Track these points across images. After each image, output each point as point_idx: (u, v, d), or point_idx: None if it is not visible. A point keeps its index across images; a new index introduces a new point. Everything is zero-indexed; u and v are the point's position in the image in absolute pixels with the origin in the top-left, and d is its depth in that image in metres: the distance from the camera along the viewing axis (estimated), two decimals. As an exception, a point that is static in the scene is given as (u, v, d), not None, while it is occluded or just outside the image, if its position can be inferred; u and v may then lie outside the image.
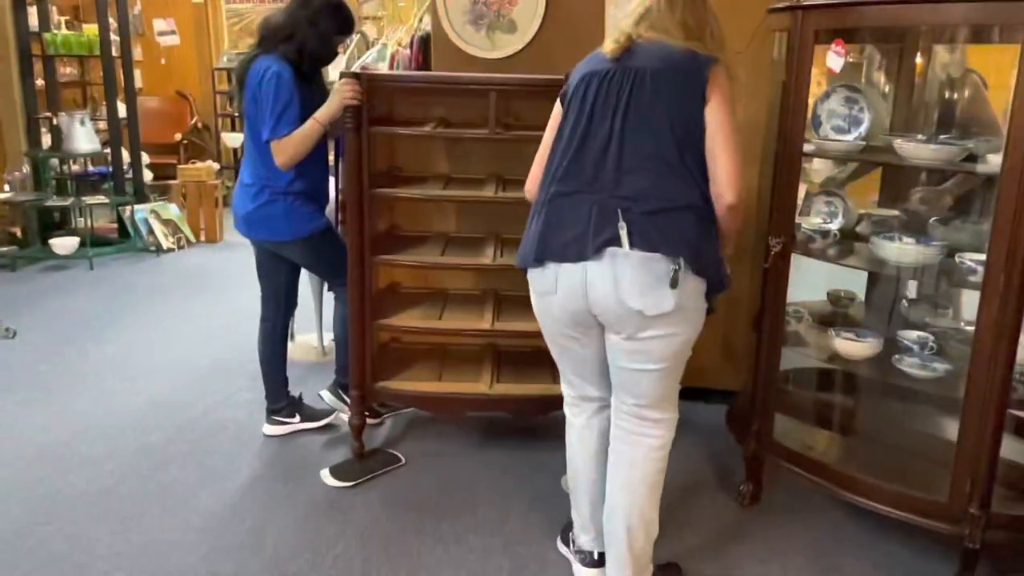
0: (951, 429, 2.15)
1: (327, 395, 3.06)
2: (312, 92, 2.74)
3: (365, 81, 2.54)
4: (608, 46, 1.91)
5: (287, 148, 2.64)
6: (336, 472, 2.76)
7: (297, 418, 3.07)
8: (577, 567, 2.23)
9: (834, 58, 2.25)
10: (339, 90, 2.55)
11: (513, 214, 2.98)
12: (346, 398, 2.96)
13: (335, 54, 2.87)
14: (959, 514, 2.09)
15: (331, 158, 3.03)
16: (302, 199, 2.78)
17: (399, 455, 2.88)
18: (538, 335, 2.73)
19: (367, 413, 2.84)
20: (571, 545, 2.28)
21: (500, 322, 2.80)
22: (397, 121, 2.82)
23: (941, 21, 2.19)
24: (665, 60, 1.84)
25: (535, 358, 3.02)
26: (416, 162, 2.99)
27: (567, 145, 1.91)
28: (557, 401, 2.74)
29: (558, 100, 2.03)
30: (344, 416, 2.99)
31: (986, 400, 2.02)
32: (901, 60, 2.69)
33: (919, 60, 2.67)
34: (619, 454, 2.03)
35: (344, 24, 2.76)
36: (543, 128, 2.62)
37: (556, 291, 1.92)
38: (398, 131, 2.77)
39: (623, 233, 1.79)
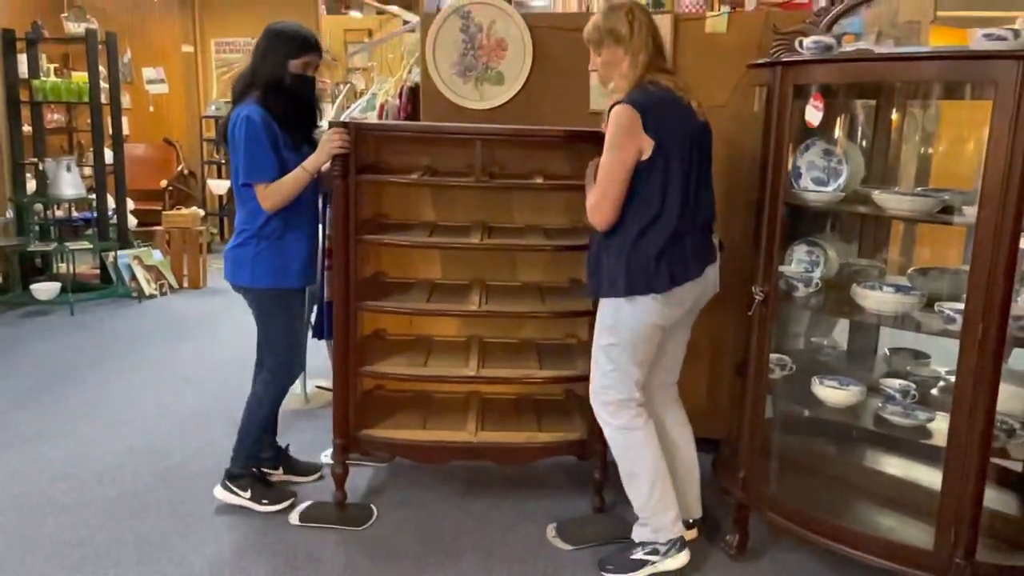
0: (935, 478, 2.16)
1: (219, 492, 2.86)
2: (296, 139, 2.69)
3: (353, 130, 2.58)
4: (690, 99, 2.28)
5: (272, 194, 2.61)
6: (305, 515, 2.77)
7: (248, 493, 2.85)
8: (680, 557, 2.40)
9: (812, 112, 2.31)
10: (328, 139, 2.56)
11: (498, 260, 3.02)
12: (236, 489, 2.83)
13: (306, 80, 2.69)
14: (944, 564, 2.08)
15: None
16: (275, 249, 2.69)
17: (372, 508, 2.83)
18: (523, 381, 2.76)
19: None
20: (657, 554, 2.41)
21: (485, 369, 2.79)
22: (385, 169, 2.85)
23: (914, 77, 2.27)
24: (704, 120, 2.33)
25: (520, 405, 3.02)
26: (403, 209, 3.02)
27: (683, 193, 2.25)
28: (542, 450, 2.76)
29: (632, 126, 2.18)
30: (259, 508, 2.80)
31: (968, 449, 2.03)
32: (878, 114, 2.77)
33: (895, 114, 2.75)
34: (680, 424, 2.58)
35: (294, 43, 2.64)
36: (527, 176, 2.70)
37: (682, 304, 2.34)
38: (385, 179, 2.80)
39: (716, 240, 2.42)
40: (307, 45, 2.67)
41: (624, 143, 2.20)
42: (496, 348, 2.98)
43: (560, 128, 2.74)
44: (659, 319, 2.32)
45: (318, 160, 2.61)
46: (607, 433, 2.43)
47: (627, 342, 2.32)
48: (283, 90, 2.63)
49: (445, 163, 2.83)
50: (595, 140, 2.45)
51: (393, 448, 2.83)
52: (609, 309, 2.35)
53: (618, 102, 2.22)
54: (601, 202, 2.25)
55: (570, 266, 2.93)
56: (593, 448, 2.72)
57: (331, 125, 2.61)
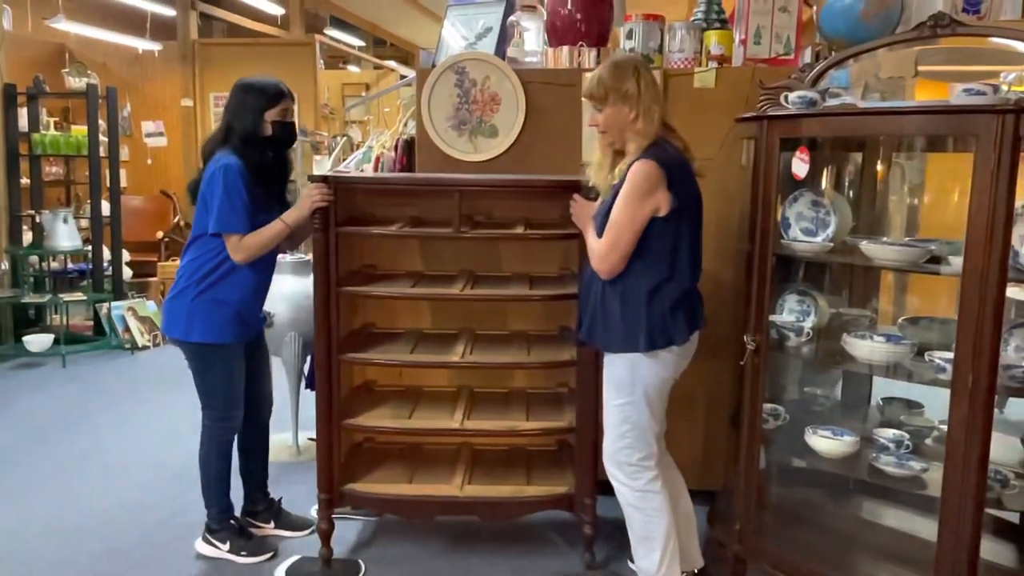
0: (931, 528, 2.14)
1: (199, 544, 2.86)
2: (270, 195, 2.70)
3: (332, 183, 2.60)
4: (694, 164, 2.33)
5: (248, 247, 2.60)
6: (292, 570, 2.73)
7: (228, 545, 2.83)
8: None
9: (799, 165, 2.36)
10: (308, 193, 2.57)
11: (487, 309, 3.03)
12: (215, 542, 2.82)
13: (285, 128, 2.71)
14: (944, 617, 2.05)
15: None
16: (211, 303, 2.64)
17: (360, 564, 2.78)
18: (510, 434, 2.75)
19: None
20: None
21: (471, 420, 2.76)
22: (373, 221, 2.86)
23: (898, 131, 2.32)
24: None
25: (512, 457, 2.99)
26: (390, 260, 3.03)
27: (692, 253, 2.30)
28: (528, 504, 2.73)
29: (656, 183, 2.20)
30: (238, 560, 2.79)
31: (962, 500, 2.02)
32: (864, 166, 2.82)
33: (880, 166, 2.80)
34: (673, 474, 2.54)
35: (266, 94, 2.66)
36: (511, 225, 2.73)
37: (690, 353, 2.39)
38: (365, 231, 2.79)
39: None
40: (280, 94, 2.69)
41: (645, 199, 2.20)
42: (485, 398, 2.96)
43: (540, 178, 2.80)
44: (675, 371, 2.35)
45: (299, 214, 2.62)
46: (622, 494, 2.39)
47: (643, 398, 2.31)
48: (260, 143, 2.65)
49: (433, 213, 2.82)
50: (574, 190, 2.50)
51: (378, 503, 2.80)
52: (623, 366, 2.32)
53: (638, 158, 2.22)
54: (611, 254, 2.25)
55: (560, 314, 2.92)
56: (582, 502, 2.69)
57: (311, 179, 2.63)
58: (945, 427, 2.11)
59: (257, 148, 2.65)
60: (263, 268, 2.77)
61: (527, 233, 2.73)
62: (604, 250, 2.26)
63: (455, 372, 3.09)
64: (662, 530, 2.34)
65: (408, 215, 2.87)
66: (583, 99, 2.40)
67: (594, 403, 2.58)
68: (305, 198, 2.59)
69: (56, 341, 5.59)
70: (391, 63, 9.58)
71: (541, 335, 2.97)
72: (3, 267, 5.79)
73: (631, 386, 2.31)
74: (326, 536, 2.72)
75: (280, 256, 3.08)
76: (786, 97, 2.37)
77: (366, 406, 2.88)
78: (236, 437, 2.87)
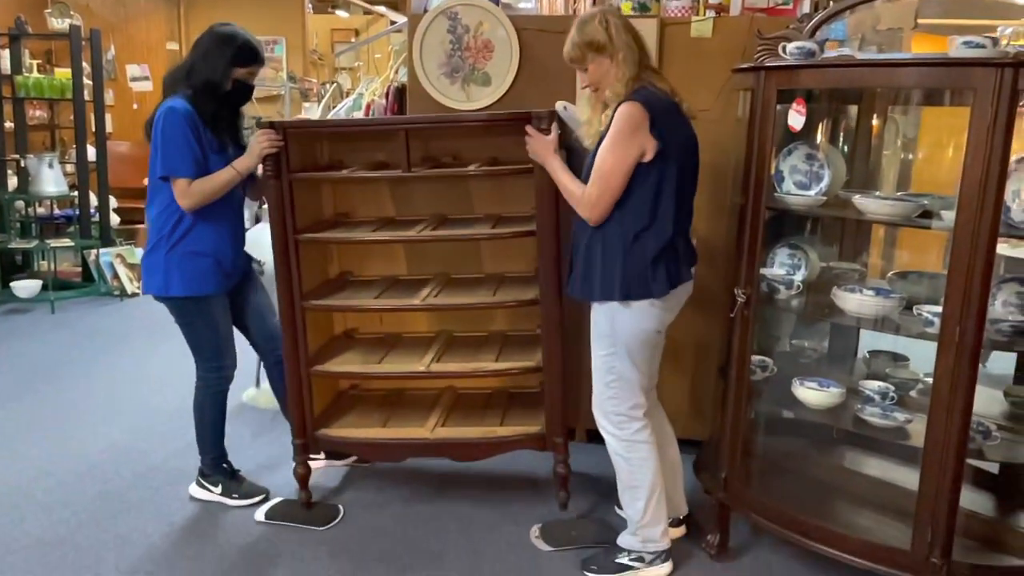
0: (913, 479, 2.19)
1: (193, 488, 2.91)
2: (221, 140, 2.63)
3: (280, 129, 2.57)
4: (681, 101, 2.30)
5: (194, 192, 2.54)
6: (270, 513, 2.79)
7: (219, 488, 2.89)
8: (664, 567, 2.44)
9: (795, 117, 2.34)
10: (257, 140, 2.53)
11: (462, 253, 3.01)
12: (208, 485, 2.88)
13: (245, 88, 2.66)
14: (921, 563, 2.11)
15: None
16: (188, 254, 2.61)
17: (339, 507, 2.83)
18: (475, 375, 2.84)
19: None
20: (641, 561, 2.44)
21: (438, 363, 2.76)
22: (342, 167, 2.84)
23: (895, 84, 2.30)
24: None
25: (492, 400, 3.01)
26: (362, 208, 3.02)
27: (678, 202, 2.26)
28: (498, 444, 2.74)
29: (641, 124, 2.17)
30: (230, 503, 2.84)
31: (944, 450, 2.06)
32: (859, 119, 2.81)
33: (876, 120, 2.78)
34: (662, 424, 2.56)
35: (243, 53, 2.60)
36: (465, 164, 2.73)
37: (676, 307, 2.37)
38: (315, 176, 2.78)
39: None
40: (255, 56, 2.63)
41: (630, 141, 2.17)
42: (462, 342, 2.96)
43: (481, 112, 2.87)
44: (657, 324, 2.31)
45: (249, 161, 2.58)
46: (609, 443, 2.41)
47: (625, 349, 2.31)
48: (219, 94, 2.59)
49: (400, 157, 2.69)
50: (524, 122, 2.42)
51: (349, 447, 2.84)
52: (603, 316, 2.32)
53: (622, 102, 2.20)
54: (601, 199, 2.22)
55: (536, 254, 2.84)
56: (553, 440, 2.68)
57: (259, 126, 2.59)
58: (930, 380, 2.14)
59: (214, 99, 2.58)
60: (230, 214, 2.72)
61: (481, 169, 2.65)
62: (593, 197, 2.23)
63: (434, 318, 3.10)
64: (648, 480, 2.37)
65: (376, 160, 2.84)
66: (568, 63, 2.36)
67: (559, 342, 2.59)
68: (255, 145, 2.54)
69: (44, 287, 5.56)
70: (381, 8, 9.39)
71: (518, 276, 2.92)
72: (-12, 212, 5.73)
73: (611, 337, 2.31)
74: (304, 480, 2.77)
75: (265, 207, 3.05)
76: (784, 48, 2.34)
77: (341, 353, 2.89)
78: (267, 384, 2.90)
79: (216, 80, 2.57)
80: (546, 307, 2.60)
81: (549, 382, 2.67)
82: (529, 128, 2.40)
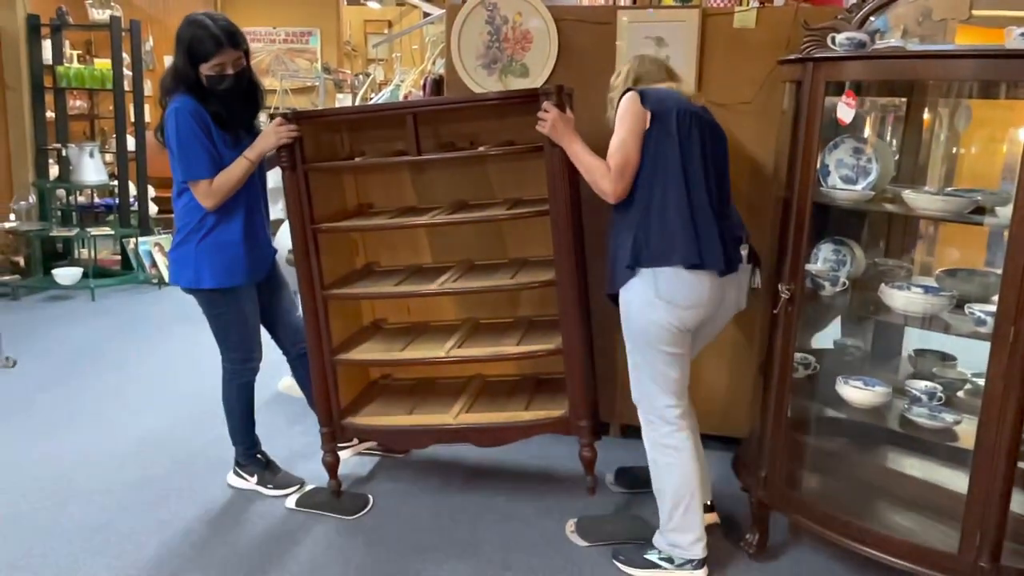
0: (960, 481, 2.14)
1: (231, 477, 2.95)
2: (234, 134, 2.59)
3: (294, 118, 2.56)
4: (685, 90, 2.36)
5: (215, 191, 2.54)
6: (301, 501, 2.82)
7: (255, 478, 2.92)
8: (695, 574, 2.39)
9: (844, 110, 2.29)
10: (274, 130, 2.52)
11: (486, 240, 2.98)
12: (244, 475, 2.91)
13: (221, 83, 2.52)
14: (969, 567, 2.06)
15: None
16: (216, 246, 2.61)
17: (368, 497, 2.84)
18: (495, 359, 2.81)
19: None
20: (671, 563, 2.40)
21: (460, 349, 2.73)
22: (364, 156, 2.85)
23: (950, 76, 2.24)
24: (707, 112, 2.35)
25: (521, 386, 2.98)
26: (386, 198, 3.03)
27: (683, 171, 2.23)
28: (521, 429, 2.69)
29: (634, 103, 2.24)
30: (266, 492, 2.87)
31: (996, 453, 2.01)
32: (909, 113, 2.74)
33: (927, 113, 2.71)
34: (696, 438, 2.45)
35: (193, 52, 2.47)
36: (474, 146, 2.71)
37: (693, 304, 2.24)
38: (329, 165, 2.78)
39: (744, 252, 2.35)
40: (211, 49, 2.46)
41: (633, 114, 2.23)
42: (488, 328, 2.94)
43: (494, 92, 2.84)
44: (668, 317, 2.22)
45: (263, 147, 2.55)
46: (644, 439, 2.39)
47: (641, 341, 2.28)
48: (210, 93, 2.53)
49: (422, 145, 2.68)
50: (531, 100, 2.40)
51: (374, 435, 2.86)
52: (623, 309, 2.32)
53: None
54: (625, 167, 2.22)
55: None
56: (576, 424, 2.62)
57: (272, 116, 2.59)
58: (978, 380, 2.08)
59: (211, 97, 2.53)
60: (253, 201, 2.70)
61: (492, 149, 2.63)
62: (619, 165, 2.22)
63: (461, 306, 3.08)
64: (672, 487, 2.33)
65: (395, 149, 2.81)
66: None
67: (578, 324, 2.56)
68: (270, 134, 2.53)
69: (85, 275, 5.65)
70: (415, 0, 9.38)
71: (540, 260, 2.86)
72: (31, 200, 5.83)
73: (628, 331, 2.31)
74: (332, 468, 2.79)
75: None
76: (833, 39, 2.28)
77: (366, 342, 2.89)
78: (291, 377, 2.92)
79: (192, 81, 2.51)
80: (562, 287, 2.54)
81: (569, 364, 2.59)
82: (547, 104, 2.37)
